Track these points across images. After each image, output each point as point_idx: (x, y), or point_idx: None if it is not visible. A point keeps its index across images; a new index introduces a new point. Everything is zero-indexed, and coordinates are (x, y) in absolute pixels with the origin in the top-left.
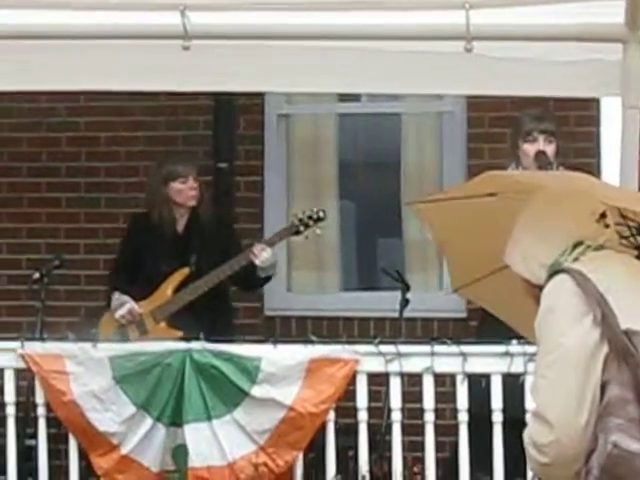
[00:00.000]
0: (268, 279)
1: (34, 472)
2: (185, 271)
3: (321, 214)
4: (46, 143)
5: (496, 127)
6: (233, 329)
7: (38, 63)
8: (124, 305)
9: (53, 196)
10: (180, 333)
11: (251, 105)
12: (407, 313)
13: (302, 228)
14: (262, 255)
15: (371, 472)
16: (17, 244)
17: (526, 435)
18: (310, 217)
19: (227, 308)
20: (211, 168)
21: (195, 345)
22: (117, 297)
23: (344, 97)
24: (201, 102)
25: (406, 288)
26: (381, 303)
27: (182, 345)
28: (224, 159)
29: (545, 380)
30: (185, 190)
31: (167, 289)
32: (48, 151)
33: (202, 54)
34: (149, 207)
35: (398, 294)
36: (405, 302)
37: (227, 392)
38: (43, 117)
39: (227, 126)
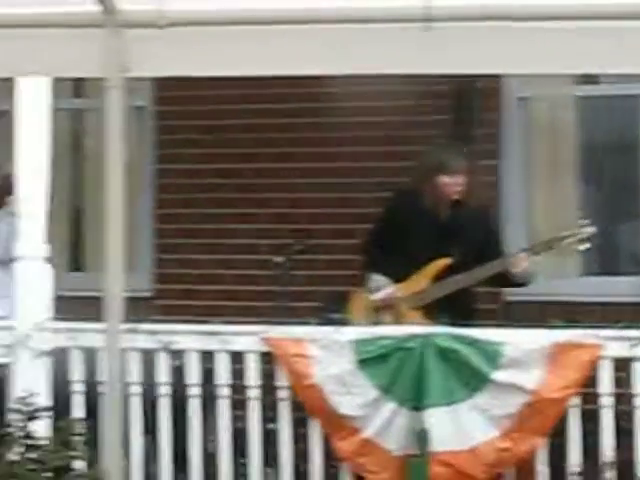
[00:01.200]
0: (521, 285)
1: (275, 456)
2: (446, 261)
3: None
4: (287, 129)
5: None
6: (475, 315)
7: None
8: (383, 288)
9: (293, 182)
10: (434, 324)
11: (489, 88)
12: None
13: (568, 243)
14: (521, 265)
15: (615, 459)
16: (258, 229)
17: None
18: (578, 237)
19: (474, 297)
20: None
21: (436, 329)
22: (375, 279)
23: (583, 80)
24: (439, 87)
25: None
26: (621, 288)
27: (423, 329)
28: (461, 143)
29: None
30: (451, 185)
31: (426, 277)
32: (288, 137)
33: (443, 36)
34: (417, 190)
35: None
36: None
37: (468, 376)
38: (286, 103)
39: (465, 110)
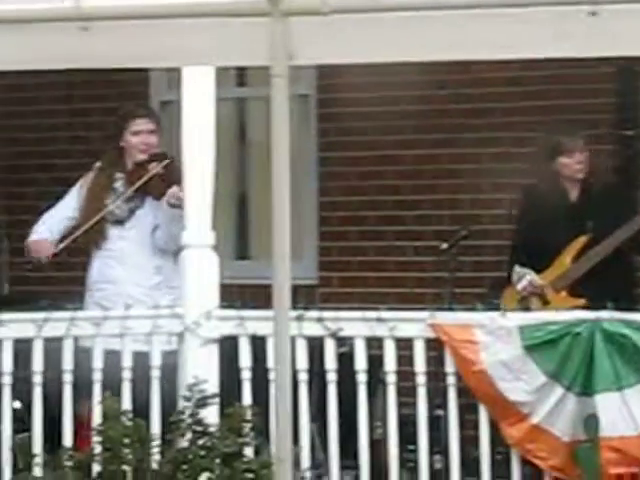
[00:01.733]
0: None
1: (443, 442)
2: (583, 239)
3: None
4: (446, 115)
5: None
6: (635, 296)
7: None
8: (524, 277)
9: (456, 167)
10: (582, 301)
11: None
12: None
13: None
14: None
15: None
16: (422, 215)
17: None
18: None
19: (629, 274)
20: (614, 136)
21: (604, 314)
22: (517, 270)
23: None
24: (601, 70)
25: None
26: None
27: (591, 314)
28: (629, 126)
29: None
30: (571, 164)
31: (566, 258)
32: (441, 123)
33: (611, 19)
34: (537, 179)
35: None
36: None
37: (638, 361)
38: (445, 90)
39: (631, 93)
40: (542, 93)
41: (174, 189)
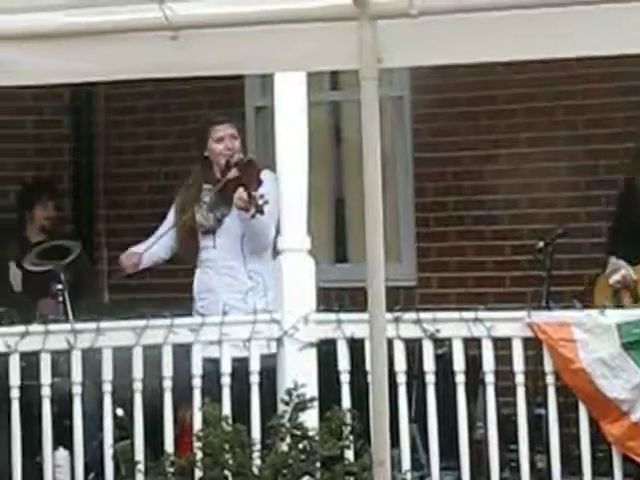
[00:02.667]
0: None
1: (544, 441)
2: None
3: None
4: (539, 113)
5: None
6: None
7: None
8: (618, 270)
9: (552, 165)
10: None
11: None
12: None
13: None
14: None
15: None
16: (519, 215)
17: None
18: None
19: None
20: None
21: None
22: (613, 262)
23: None
24: None
25: None
26: None
27: None
28: None
29: None
30: None
31: None
32: (542, 120)
33: None
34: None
35: None
36: None
37: None
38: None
39: None
40: (615, 89)
41: (239, 191)
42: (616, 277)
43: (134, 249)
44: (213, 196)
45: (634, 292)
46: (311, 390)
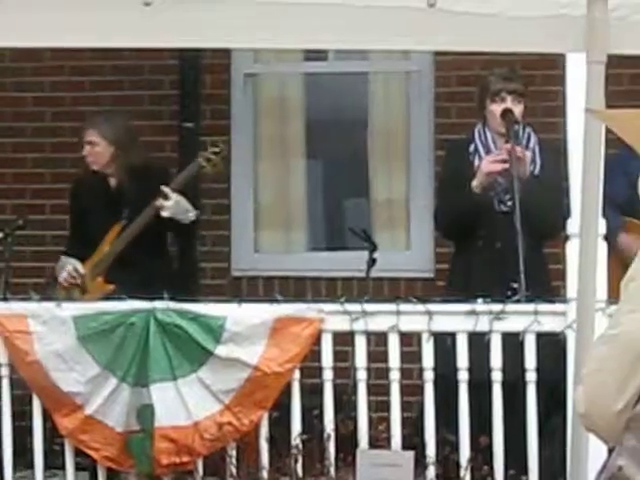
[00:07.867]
0: (195, 223)
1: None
2: (118, 227)
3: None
4: (11, 103)
5: (463, 86)
6: (174, 281)
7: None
8: (64, 268)
9: (19, 157)
10: (111, 287)
11: (217, 64)
12: (374, 273)
13: (204, 162)
14: (165, 205)
15: (336, 432)
16: None
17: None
18: (210, 151)
19: (164, 259)
20: (176, 128)
21: (159, 304)
22: (62, 260)
23: (311, 56)
24: (166, 62)
25: (373, 248)
26: (348, 263)
27: (146, 304)
28: (190, 119)
29: (598, 352)
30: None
31: (104, 246)
32: (13, 111)
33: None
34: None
35: (365, 254)
36: (372, 262)
37: (192, 351)
38: (8, 77)
39: (193, 85)
40: (113, 83)
41: None
42: (63, 275)
43: None
44: None
45: (82, 287)
46: None
